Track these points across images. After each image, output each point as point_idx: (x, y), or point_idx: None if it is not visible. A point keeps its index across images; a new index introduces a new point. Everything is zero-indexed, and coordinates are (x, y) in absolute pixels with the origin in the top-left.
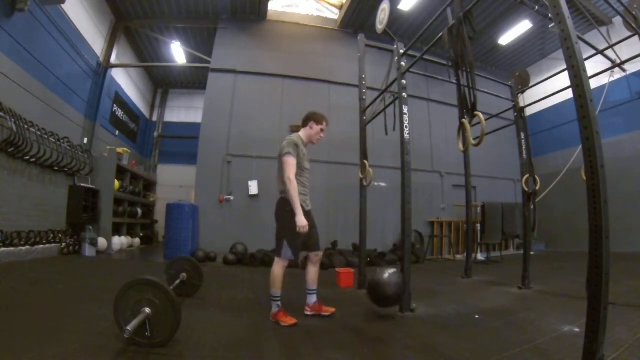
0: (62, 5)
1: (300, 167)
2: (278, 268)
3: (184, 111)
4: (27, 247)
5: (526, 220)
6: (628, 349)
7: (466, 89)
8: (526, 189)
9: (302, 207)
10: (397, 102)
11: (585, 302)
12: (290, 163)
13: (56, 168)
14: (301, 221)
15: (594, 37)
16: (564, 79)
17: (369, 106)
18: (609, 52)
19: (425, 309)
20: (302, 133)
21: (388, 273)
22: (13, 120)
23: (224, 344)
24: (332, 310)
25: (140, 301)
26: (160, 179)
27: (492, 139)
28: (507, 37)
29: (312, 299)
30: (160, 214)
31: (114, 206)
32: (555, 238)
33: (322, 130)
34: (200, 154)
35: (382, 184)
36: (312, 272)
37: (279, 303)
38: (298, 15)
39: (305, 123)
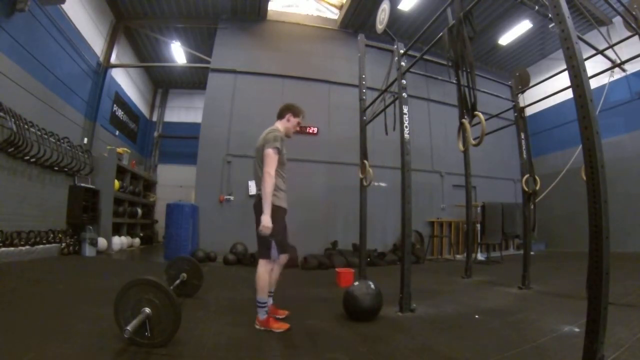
0: (62, 5)
1: (281, 163)
2: (265, 272)
3: (184, 111)
4: (27, 247)
5: (526, 220)
6: (628, 349)
7: (466, 89)
8: (526, 189)
9: (281, 206)
10: (397, 102)
11: (585, 302)
12: (274, 158)
13: (56, 168)
14: (267, 221)
15: (594, 37)
16: (564, 79)
17: (369, 106)
18: (609, 52)
19: (425, 309)
20: (280, 125)
21: (365, 285)
22: (13, 120)
23: (224, 344)
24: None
25: (140, 301)
26: (160, 179)
27: (492, 139)
28: (507, 37)
29: (270, 301)
30: (160, 214)
31: (114, 206)
32: (556, 238)
33: (298, 123)
34: (200, 154)
35: (382, 184)
36: (278, 274)
37: (267, 309)
38: (298, 15)
39: (282, 115)
